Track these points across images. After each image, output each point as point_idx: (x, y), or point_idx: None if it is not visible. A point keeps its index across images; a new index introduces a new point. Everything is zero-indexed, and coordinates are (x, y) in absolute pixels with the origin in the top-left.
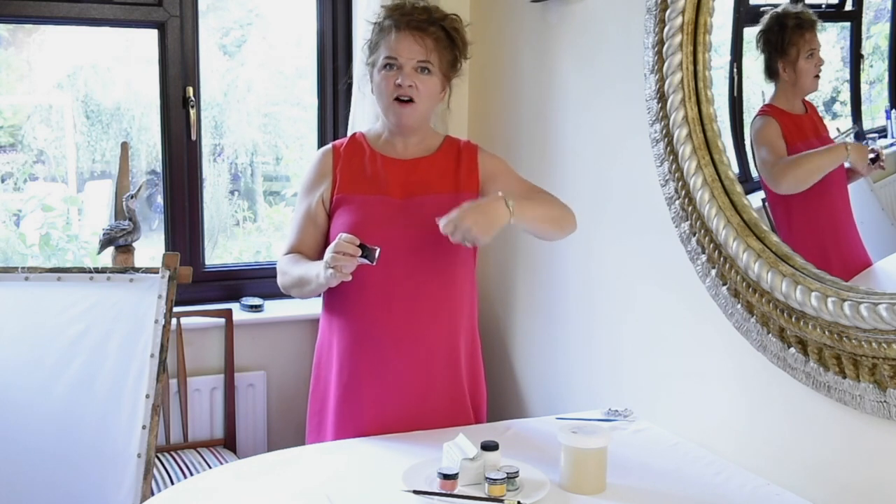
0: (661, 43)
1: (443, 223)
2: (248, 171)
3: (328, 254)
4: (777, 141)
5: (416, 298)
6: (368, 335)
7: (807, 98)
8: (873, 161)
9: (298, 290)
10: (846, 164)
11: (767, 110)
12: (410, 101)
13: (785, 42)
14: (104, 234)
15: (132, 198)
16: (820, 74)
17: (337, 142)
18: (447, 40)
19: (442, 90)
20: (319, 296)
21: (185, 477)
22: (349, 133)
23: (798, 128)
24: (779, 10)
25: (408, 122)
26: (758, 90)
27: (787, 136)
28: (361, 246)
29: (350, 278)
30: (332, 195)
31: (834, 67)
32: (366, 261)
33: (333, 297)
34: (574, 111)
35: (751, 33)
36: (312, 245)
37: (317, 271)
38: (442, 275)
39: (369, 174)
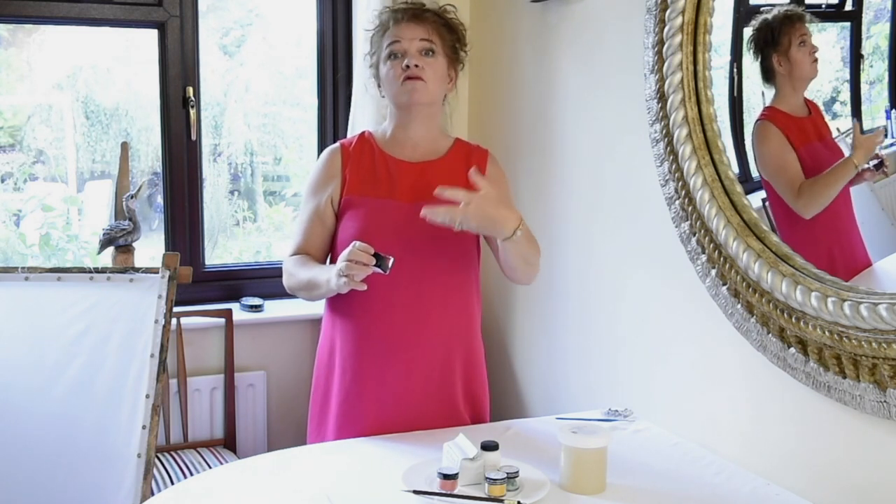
0: (661, 43)
1: (457, 195)
2: (248, 171)
3: (341, 262)
4: (786, 158)
5: (421, 303)
6: (372, 338)
7: (809, 98)
8: (877, 167)
9: (307, 293)
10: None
11: (768, 113)
12: (419, 79)
13: (775, 34)
14: (104, 234)
15: (132, 198)
16: (817, 59)
17: (345, 140)
18: (445, 26)
19: (448, 75)
20: None
21: (185, 477)
22: (349, 133)
23: (801, 132)
24: (766, 15)
25: (420, 100)
26: (758, 90)
27: (791, 141)
28: (375, 255)
29: (363, 287)
30: (340, 196)
31: (834, 67)
32: (379, 270)
33: (338, 300)
34: (574, 111)
35: (751, 33)
36: (320, 245)
37: (327, 276)
38: (448, 280)
39: (378, 177)
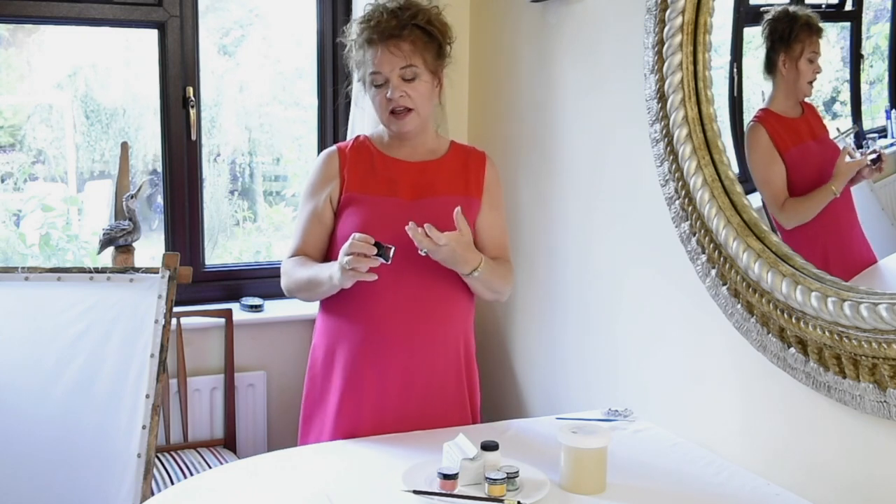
0: (661, 43)
1: (440, 239)
2: (248, 172)
3: (343, 256)
4: (771, 172)
5: (424, 299)
6: (376, 336)
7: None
8: (874, 162)
9: (307, 293)
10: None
11: (761, 115)
12: (406, 109)
13: (792, 35)
14: (104, 234)
15: (132, 198)
16: (814, 82)
17: (341, 144)
18: (425, 36)
19: (435, 87)
20: None
21: (185, 477)
22: (349, 134)
23: (793, 133)
24: (790, 7)
25: (409, 130)
26: (758, 90)
27: (779, 145)
28: (376, 244)
29: (372, 277)
30: (340, 194)
31: (834, 67)
32: (381, 259)
33: (337, 299)
34: (574, 111)
35: (751, 33)
36: (319, 245)
37: (329, 273)
38: (449, 276)
39: (378, 175)
